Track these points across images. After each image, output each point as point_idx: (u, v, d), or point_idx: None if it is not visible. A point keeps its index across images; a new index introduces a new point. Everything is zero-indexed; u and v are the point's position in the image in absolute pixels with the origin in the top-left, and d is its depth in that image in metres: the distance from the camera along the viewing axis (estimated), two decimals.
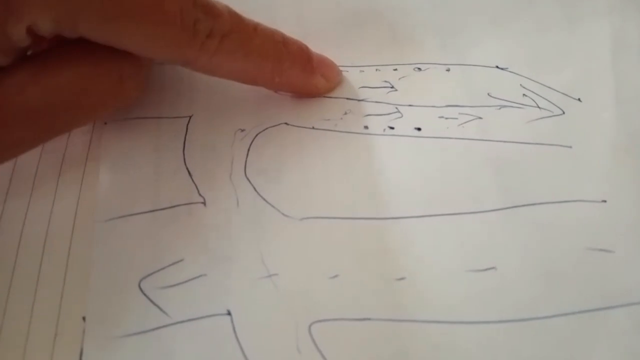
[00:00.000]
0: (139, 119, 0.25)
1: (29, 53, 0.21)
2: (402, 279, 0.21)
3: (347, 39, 0.28)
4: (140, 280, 0.21)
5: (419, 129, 0.25)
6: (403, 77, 0.26)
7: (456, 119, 0.25)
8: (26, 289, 0.21)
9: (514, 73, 0.26)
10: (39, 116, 0.21)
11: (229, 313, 0.20)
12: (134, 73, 0.22)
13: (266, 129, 0.25)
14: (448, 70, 0.26)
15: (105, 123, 0.25)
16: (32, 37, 0.19)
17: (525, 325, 0.20)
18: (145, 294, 0.21)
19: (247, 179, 0.23)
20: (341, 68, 0.26)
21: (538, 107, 0.25)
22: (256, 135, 0.25)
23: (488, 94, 0.25)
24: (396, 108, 0.25)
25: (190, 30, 0.21)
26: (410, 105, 0.25)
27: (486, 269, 0.21)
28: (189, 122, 0.25)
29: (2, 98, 0.20)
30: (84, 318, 0.20)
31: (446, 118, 0.25)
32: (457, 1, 0.28)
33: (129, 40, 0.20)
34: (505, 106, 0.25)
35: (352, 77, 0.26)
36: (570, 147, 0.24)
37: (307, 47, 0.25)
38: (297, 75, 0.25)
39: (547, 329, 0.20)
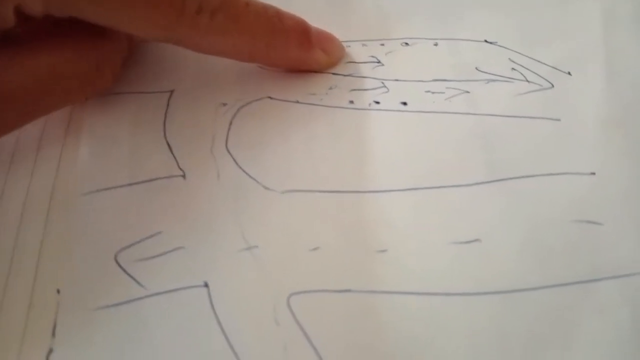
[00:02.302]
0: (120, 94, 0.25)
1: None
2: (383, 251, 0.20)
3: (333, 14, 0.27)
4: (117, 253, 0.21)
5: (405, 104, 0.24)
6: (390, 52, 0.26)
7: (443, 93, 0.24)
8: (1, 261, 0.21)
9: (503, 47, 0.26)
10: (16, 99, 0.20)
11: (206, 285, 0.20)
12: (111, 59, 0.23)
13: (249, 102, 0.24)
14: (436, 44, 0.26)
15: (86, 98, 0.25)
16: (19, 18, 0.19)
17: (510, 297, 0.19)
18: (121, 267, 0.20)
19: (229, 152, 0.23)
20: None
21: (527, 80, 0.25)
22: (239, 109, 0.24)
23: (476, 68, 0.25)
24: (382, 83, 0.25)
25: (178, 9, 0.21)
26: (396, 80, 0.25)
27: (470, 241, 0.21)
28: (170, 96, 0.25)
29: None
30: (58, 290, 0.20)
31: (433, 92, 0.25)
32: None
33: (118, 19, 0.20)
34: (493, 80, 0.25)
35: None
36: (559, 120, 0.23)
37: (304, 22, 0.24)
38: (294, 51, 0.24)
39: (533, 300, 0.19)
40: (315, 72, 0.25)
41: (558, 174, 0.22)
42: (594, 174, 0.22)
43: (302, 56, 0.24)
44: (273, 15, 0.23)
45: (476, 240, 0.21)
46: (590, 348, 0.19)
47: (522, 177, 0.22)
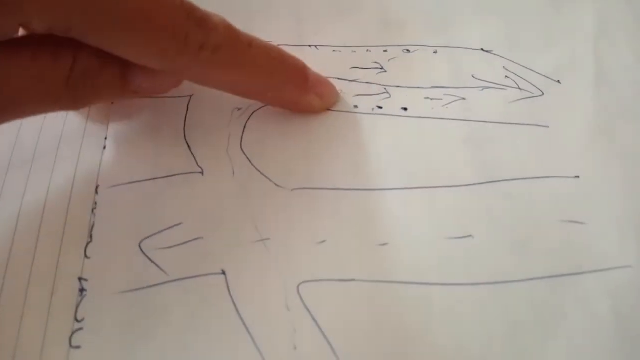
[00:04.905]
0: (143, 98, 0.26)
1: None
2: (384, 244, 0.22)
3: (340, 20, 0.29)
4: (141, 242, 0.22)
5: (405, 109, 0.26)
6: (392, 58, 0.28)
7: (441, 99, 0.26)
8: (25, 251, 0.23)
9: (498, 55, 0.27)
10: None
11: (223, 273, 0.22)
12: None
13: (262, 107, 0.26)
14: (435, 52, 0.28)
15: (112, 102, 0.26)
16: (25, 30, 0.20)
17: (499, 288, 0.21)
18: (145, 254, 0.22)
19: (243, 152, 0.25)
20: (333, 48, 0.28)
21: (519, 88, 0.26)
22: (252, 113, 0.26)
23: (472, 76, 0.27)
24: (385, 89, 0.27)
25: (181, 42, 0.21)
26: (398, 87, 0.27)
27: (463, 237, 0.22)
28: (189, 101, 0.27)
29: None
30: (79, 278, 0.22)
31: (432, 99, 0.26)
32: None
33: (118, 48, 0.21)
34: (488, 87, 0.26)
35: (344, 57, 0.28)
36: (548, 126, 0.25)
37: (304, 66, 0.25)
38: (291, 93, 0.25)
39: (519, 292, 0.21)
40: (308, 113, 0.26)
41: (545, 177, 0.24)
42: (578, 177, 0.24)
43: (297, 99, 0.25)
44: (274, 58, 0.24)
45: (469, 236, 0.22)
46: (573, 336, 0.20)
47: (512, 179, 0.24)
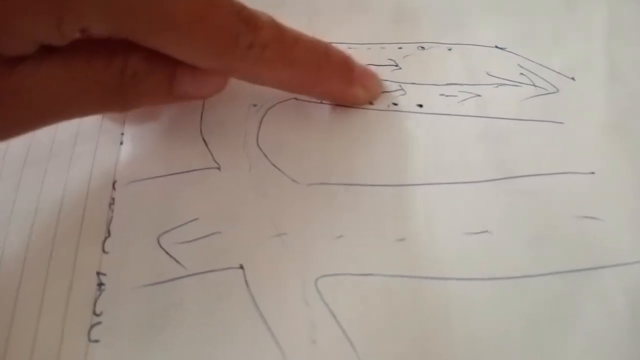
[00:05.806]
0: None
1: None
2: (402, 239, 0.22)
3: (354, 17, 0.29)
4: (159, 236, 0.23)
5: (421, 106, 0.26)
6: (407, 55, 0.28)
7: (456, 96, 0.26)
8: (43, 246, 0.23)
9: (512, 53, 0.27)
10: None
11: (241, 267, 0.22)
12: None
13: (277, 103, 0.26)
14: (450, 49, 0.28)
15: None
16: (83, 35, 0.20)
17: (515, 283, 0.21)
18: (163, 248, 0.22)
19: (259, 148, 0.25)
20: (348, 45, 0.28)
21: (534, 85, 0.26)
22: (268, 109, 0.26)
23: (487, 73, 0.27)
24: (400, 86, 0.27)
25: (232, 43, 0.21)
26: (413, 84, 0.27)
27: (480, 232, 0.22)
28: None
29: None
30: (97, 273, 0.22)
31: (447, 96, 0.26)
32: None
33: (173, 49, 0.21)
34: (502, 84, 0.27)
35: (359, 54, 0.27)
36: (563, 123, 0.25)
37: (349, 58, 0.25)
38: (337, 86, 0.25)
39: (535, 286, 0.21)
40: (354, 105, 0.26)
41: (560, 173, 0.24)
42: (593, 173, 0.24)
43: (343, 91, 0.25)
44: (321, 52, 0.24)
45: (485, 231, 0.22)
46: (589, 331, 0.20)
47: (528, 175, 0.24)
